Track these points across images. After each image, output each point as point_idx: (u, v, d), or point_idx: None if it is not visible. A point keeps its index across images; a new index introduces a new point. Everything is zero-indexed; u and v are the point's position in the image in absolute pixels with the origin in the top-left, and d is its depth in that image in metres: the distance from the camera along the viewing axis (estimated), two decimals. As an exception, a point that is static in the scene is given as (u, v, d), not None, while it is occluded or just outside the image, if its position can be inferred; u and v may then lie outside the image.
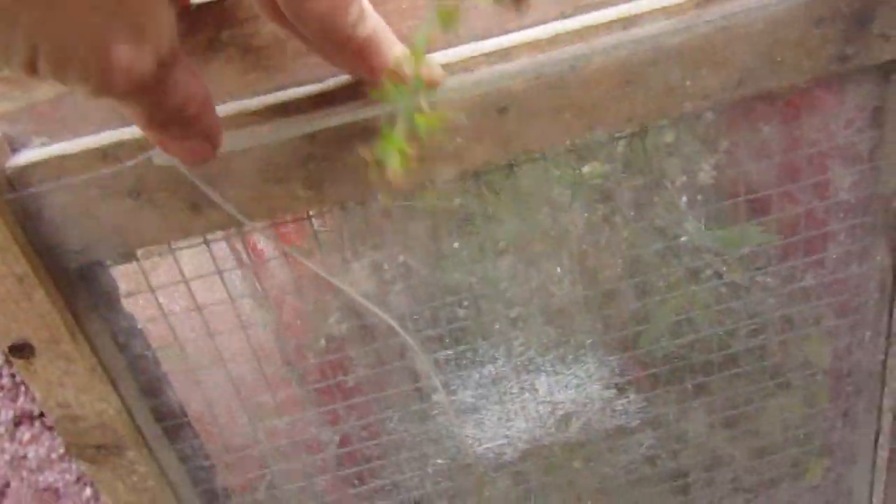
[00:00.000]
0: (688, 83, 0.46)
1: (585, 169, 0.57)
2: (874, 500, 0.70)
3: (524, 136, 0.45)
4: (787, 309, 0.60)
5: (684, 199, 0.50)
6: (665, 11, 0.44)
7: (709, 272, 0.54)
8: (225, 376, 0.54)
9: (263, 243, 0.49)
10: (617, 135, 0.49)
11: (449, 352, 0.54)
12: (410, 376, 0.55)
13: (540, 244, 0.49)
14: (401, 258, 0.48)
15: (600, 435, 0.60)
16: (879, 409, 0.65)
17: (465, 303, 0.51)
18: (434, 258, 0.49)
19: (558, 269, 0.51)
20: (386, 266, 0.48)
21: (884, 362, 0.62)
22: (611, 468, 0.62)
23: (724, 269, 0.56)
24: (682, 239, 0.55)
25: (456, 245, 0.48)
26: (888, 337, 0.61)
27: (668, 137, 0.49)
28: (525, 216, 0.48)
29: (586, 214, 0.49)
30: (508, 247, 0.49)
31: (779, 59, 0.47)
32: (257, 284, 0.53)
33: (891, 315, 0.60)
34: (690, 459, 0.65)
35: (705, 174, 0.50)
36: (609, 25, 0.43)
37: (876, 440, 0.67)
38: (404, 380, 0.56)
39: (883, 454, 0.67)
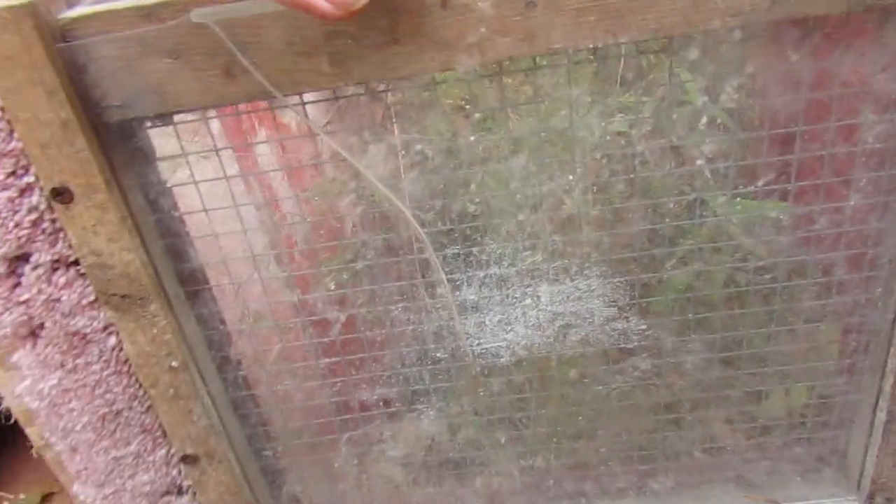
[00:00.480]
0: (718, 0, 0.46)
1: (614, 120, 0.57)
2: (867, 463, 0.70)
3: (549, 33, 0.46)
4: (799, 255, 0.60)
5: (704, 119, 0.50)
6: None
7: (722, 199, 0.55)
8: (245, 246, 0.58)
9: (289, 118, 0.51)
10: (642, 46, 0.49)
11: (457, 247, 0.56)
12: (418, 269, 0.58)
13: (554, 148, 0.50)
14: (418, 146, 0.50)
15: (597, 352, 0.62)
16: (883, 370, 0.65)
17: (477, 199, 0.52)
18: (450, 149, 0.50)
19: (570, 178, 0.52)
20: (403, 152, 0.50)
21: (893, 321, 0.62)
22: (605, 388, 0.64)
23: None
24: (705, 203, 0.56)
25: (472, 139, 0.49)
26: (901, 295, 0.60)
27: (693, 55, 0.49)
28: (542, 119, 0.49)
29: (604, 124, 0.50)
30: (523, 147, 0.50)
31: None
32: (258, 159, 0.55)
33: (905, 271, 0.59)
34: (685, 393, 0.66)
35: (727, 97, 0.50)
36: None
37: (876, 402, 0.67)
38: (412, 272, 0.58)
39: (881, 416, 0.67)
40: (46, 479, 1.30)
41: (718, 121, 0.51)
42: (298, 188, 0.56)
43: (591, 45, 0.47)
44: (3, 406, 0.66)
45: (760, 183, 0.56)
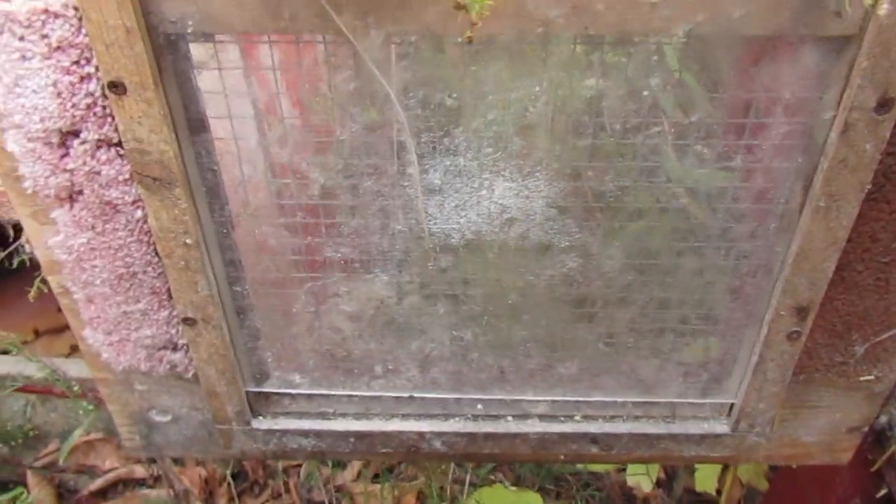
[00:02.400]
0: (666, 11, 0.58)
1: (588, 82, 0.67)
2: (739, 396, 0.87)
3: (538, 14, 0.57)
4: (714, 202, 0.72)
5: (646, 92, 0.62)
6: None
7: (656, 129, 0.66)
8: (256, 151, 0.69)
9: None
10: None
11: (431, 135, 0.66)
12: (394, 147, 0.68)
13: (526, 63, 0.60)
14: (412, 38, 0.59)
15: (534, 244, 0.74)
16: (761, 322, 0.80)
17: (455, 94, 0.62)
18: (439, 47, 0.60)
19: (537, 89, 0.61)
20: (398, 40, 0.59)
21: (774, 283, 0.77)
22: (535, 277, 0.77)
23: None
24: (657, 165, 0.67)
25: (459, 40, 0.58)
26: (783, 263, 0.75)
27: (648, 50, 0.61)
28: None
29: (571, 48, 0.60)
30: (501, 55, 0.60)
31: (749, 10, 0.58)
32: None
33: (788, 247, 0.73)
34: (601, 291, 0.79)
35: (672, 86, 0.62)
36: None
37: (753, 346, 0.83)
38: (388, 149, 0.69)
39: (754, 359, 0.83)
40: (30, 323, 1.43)
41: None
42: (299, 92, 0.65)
43: (567, 33, 0.59)
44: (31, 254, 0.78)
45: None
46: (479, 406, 0.92)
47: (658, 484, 1.74)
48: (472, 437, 0.90)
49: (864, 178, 0.66)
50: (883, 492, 1.06)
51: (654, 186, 0.71)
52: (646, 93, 0.65)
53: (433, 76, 0.63)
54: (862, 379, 0.88)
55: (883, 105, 0.61)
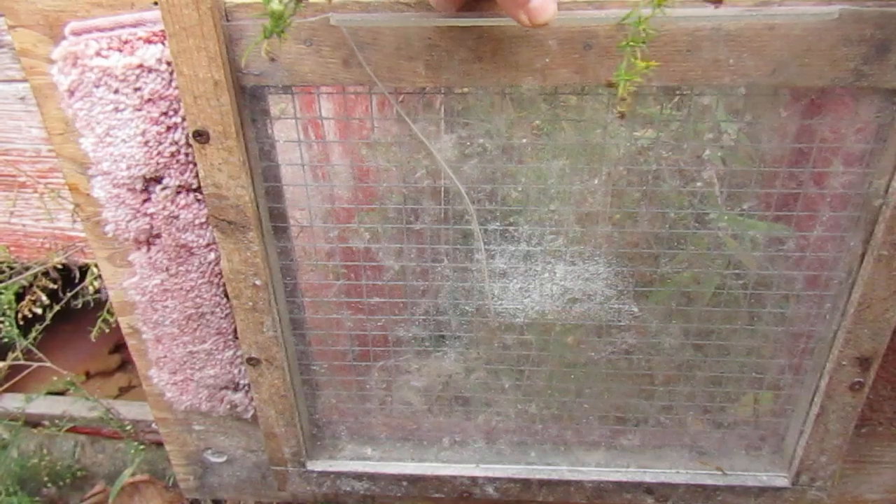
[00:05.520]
0: (731, 61, 0.60)
1: (637, 133, 0.70)
2: (799, 447, 0.86)
3: (598, 70, 0.60)
4: (769, 270, 0.74)
5: (707, 152, 0.64)
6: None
7: (712, 215, 0.69)
8: (328, 197, 0.72)
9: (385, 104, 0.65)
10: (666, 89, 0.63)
11: (497, 224, 0.70)
12: (463, 236, 0.72)
13: (586, 158, 0.64)
14: (480, 140, 0.63)
15: (594, 323, 0.76)
16: (822, 371, 0.79)
17: (520, 188, 0.66)
18: (505, 147, 0.64)
19: (595, 182, 0.66)
20: (468, 143, 0.64)
21: (835, 332, 0.76)
22: (595, 353, 0.79)
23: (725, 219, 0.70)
24: (710, 216, 0.70)
25: (524, 140, 0.63)
26: (843, 313, 0.74)
27: (706, 101, 0.63)
28: (582, 133, 0.63)
29: (629, 144, 0.64)
30: (563, 153, 0.64)
31: (808, 62, 0.60)
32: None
33: (849, 296, 0.73)
34: (660, 368, 0.81)
35: (728, 137, 0.64)
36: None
37: (812, 397, 0.82)
38: (458, 238, 0.73)
39: (815, 410, 0.81)
40: (82, 366, 1.47)
41: (719, 153, 0.65)
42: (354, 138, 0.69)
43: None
44: (104, 295, 0.81)
45: (745, 206, 0.70)
46: (533, 454, 0.91)
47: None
48: (525, 483, 0.90)
49: (928, 226, 0.66)
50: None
51: (708, 234, 0.73)
52: (697, 144, 0.67)
53: (499, 172, 0.67)
54: (928, 434, 0.86)
55: (946, 154, 0.62)
